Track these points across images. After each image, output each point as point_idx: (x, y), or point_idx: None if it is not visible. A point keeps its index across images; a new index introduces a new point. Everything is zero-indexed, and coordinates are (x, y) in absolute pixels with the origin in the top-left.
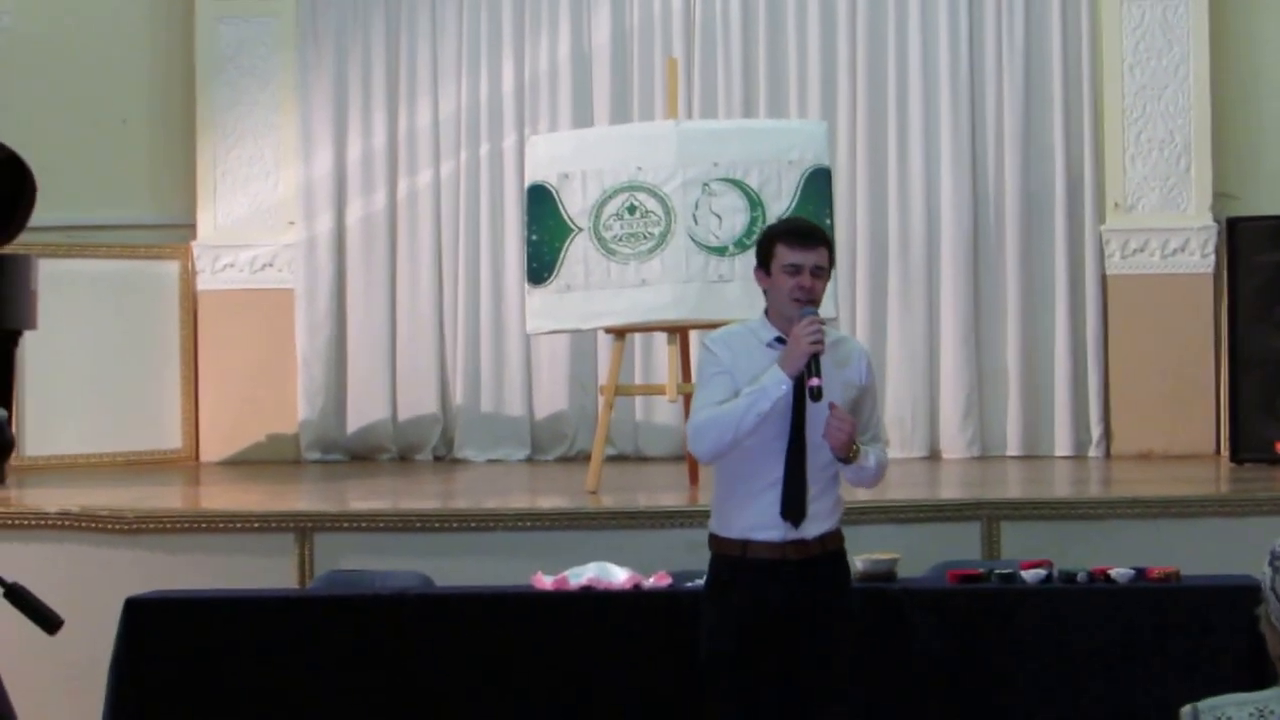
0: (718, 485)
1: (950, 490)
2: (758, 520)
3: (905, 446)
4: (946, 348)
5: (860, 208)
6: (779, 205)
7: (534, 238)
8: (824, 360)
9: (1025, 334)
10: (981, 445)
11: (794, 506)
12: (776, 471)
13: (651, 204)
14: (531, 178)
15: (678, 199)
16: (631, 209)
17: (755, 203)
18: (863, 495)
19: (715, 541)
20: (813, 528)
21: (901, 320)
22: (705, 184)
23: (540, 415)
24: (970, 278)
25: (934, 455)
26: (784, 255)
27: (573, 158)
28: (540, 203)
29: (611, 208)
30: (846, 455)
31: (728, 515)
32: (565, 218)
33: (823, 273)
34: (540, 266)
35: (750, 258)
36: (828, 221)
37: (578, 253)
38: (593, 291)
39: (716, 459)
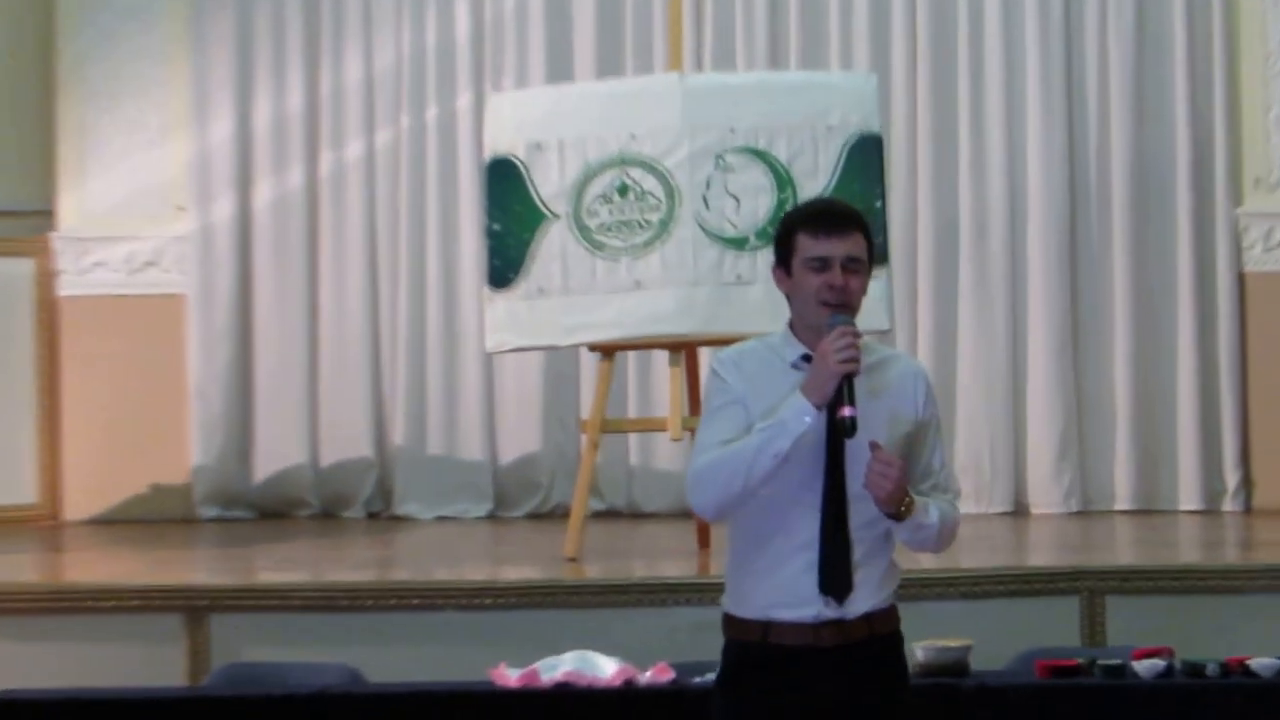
0: (732, 550)
1: (1040, 555)
2: (784, 595)
3: (981, 499)
4: (1035, 368)
5: (922, 187)
6: (814, 183)
7: (496, 228)
8: (862, 385)
9: (1138, 350)
10: (1082, 497)
11: (835, 577)
12: (808, 531)
13: (649, 183)
14: (493, 150)
15: (683, 176)
16: (623, 189)
17: (784, 180)
18: (926, 561)
19: (729, 624)
20: (856, 604)
21: (976, 333)
22: (719, 156)
23: (505, 459)
24: (1066, 277)
25: (1020, 510)
26: (806, 246)
27: (546, 123)
28: (504, 182)
29: (597, 188)
30: (897, 510)
31: (745, 588)
32: (537, 201)
33: (859, 267)
34: (504, 265)
35: None
36: (878, 204)
37: (553, 247)
38: (573, 297)
39: (724, 515)
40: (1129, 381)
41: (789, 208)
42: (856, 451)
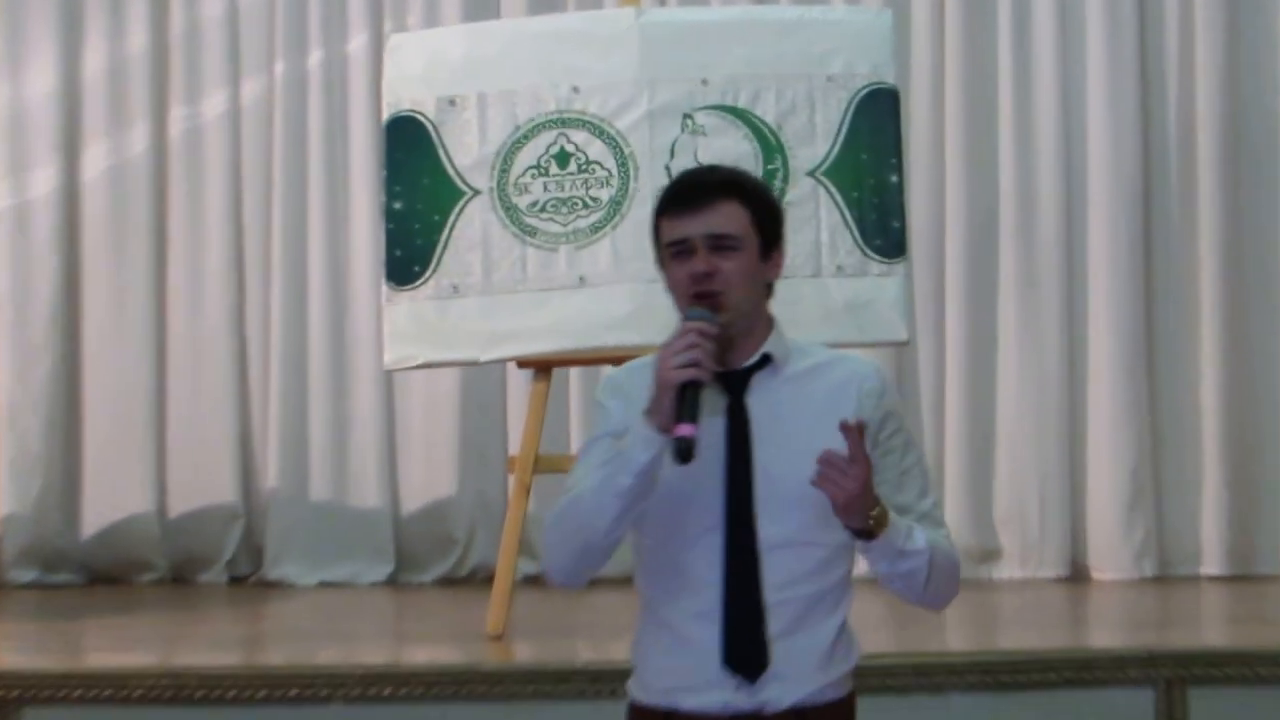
0: (639, 614)
1: (1105, 634)
2: (687, 675)
3: (1028, 560)
4: (1098, 392)
5: (952, 157)
6: (811, 149)
7: (397, 206)
8: (783, 395)
9: (1231, 369)
10: (1158, 558)
11: (741, 649)
12: (714, 589)
13: (596, 149)
14: (394, 106)
15: (641, 142)
16: (562, 157)
17: (771, 146)
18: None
19: (632, 714)
20: (782, 691)
21: (1022, 347)
22: (687, 116)
23: (410, 506)
24: (1137, 275)
25: (1078, 575)
26: (664, 231)
27: (463, 72)
28: (409, 148)
29: (528, 156)
30: (863, 523)
31: (646, 666)
32: (451, 173)
33: (734, 244)
34: (408, 256)
35: None
36: (893, 179)
37: (472, 232)
38: (497, 297)
39: (579, 579)
40: (1219, 409)
41: (783, 182)
42: (773, 486)
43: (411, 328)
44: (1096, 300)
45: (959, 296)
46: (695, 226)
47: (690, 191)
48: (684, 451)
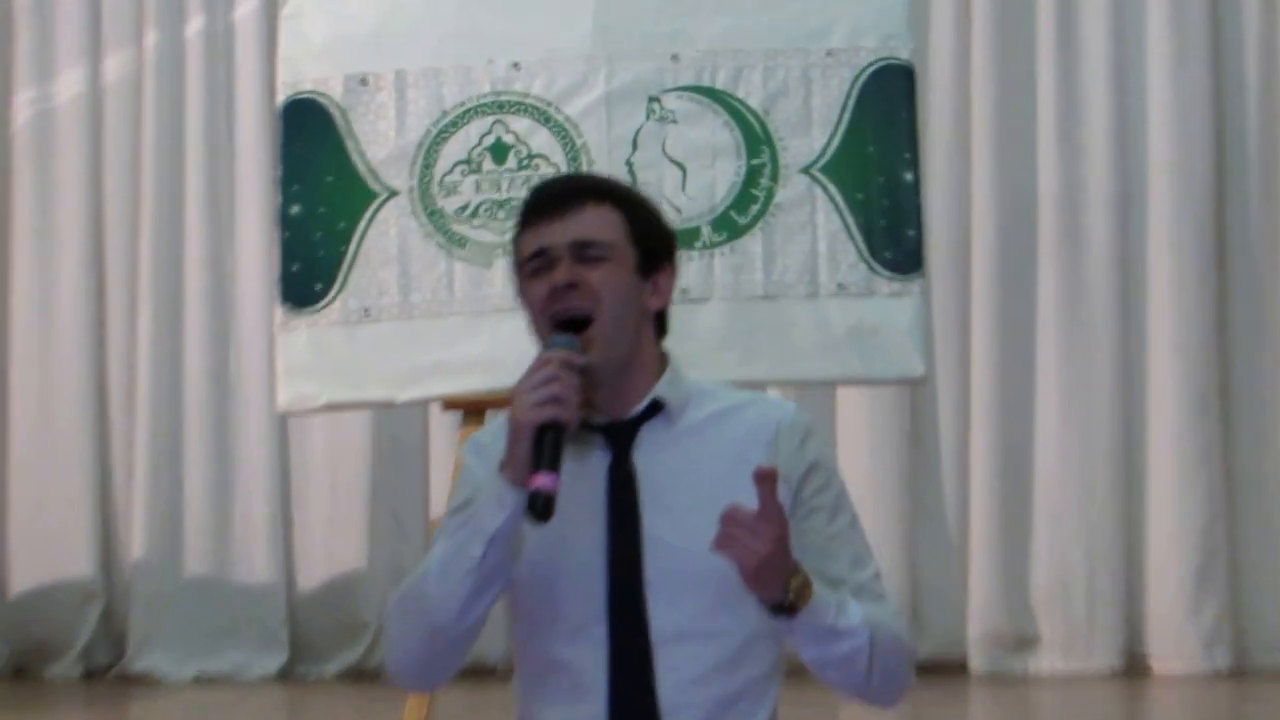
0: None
1: None
2: None
3: (1073, 649)
4: (1160, 437)
5: (981, 148)
6: (806, 140)
7: (294, 210)
8: (680, 450)
9: None
10: (1233, 646)
11: None
12: (595, 698)
13: (541, 140)
14: (291, 86)
15: (596, 131)
16: (499, 150)
17: (757, 137)
18: None
19: None
20: None
21: (1066, 383)
22: (654, 100)
23: (309, 582)
24: (1209, 295)
25: (1135, 666)
26: (522, 246)
27: (378, 43)
28: (309, 137)
29: (457, 148)
30: (781, 594)
31: None
32: (360, 169)
33: (604, 253)
34: (307, 270)
35: (748, 247)
36: (908, 176)
37: (387, 242)
38: (418, 323)
39: (427, 679)
40: None
41: (768, 180)
42: (668, 563)
43: (312, 360)
44: (1158, 327)
45: (988, 322)
46: (556, 234)
47: (553, 195)
48: (541, 507)
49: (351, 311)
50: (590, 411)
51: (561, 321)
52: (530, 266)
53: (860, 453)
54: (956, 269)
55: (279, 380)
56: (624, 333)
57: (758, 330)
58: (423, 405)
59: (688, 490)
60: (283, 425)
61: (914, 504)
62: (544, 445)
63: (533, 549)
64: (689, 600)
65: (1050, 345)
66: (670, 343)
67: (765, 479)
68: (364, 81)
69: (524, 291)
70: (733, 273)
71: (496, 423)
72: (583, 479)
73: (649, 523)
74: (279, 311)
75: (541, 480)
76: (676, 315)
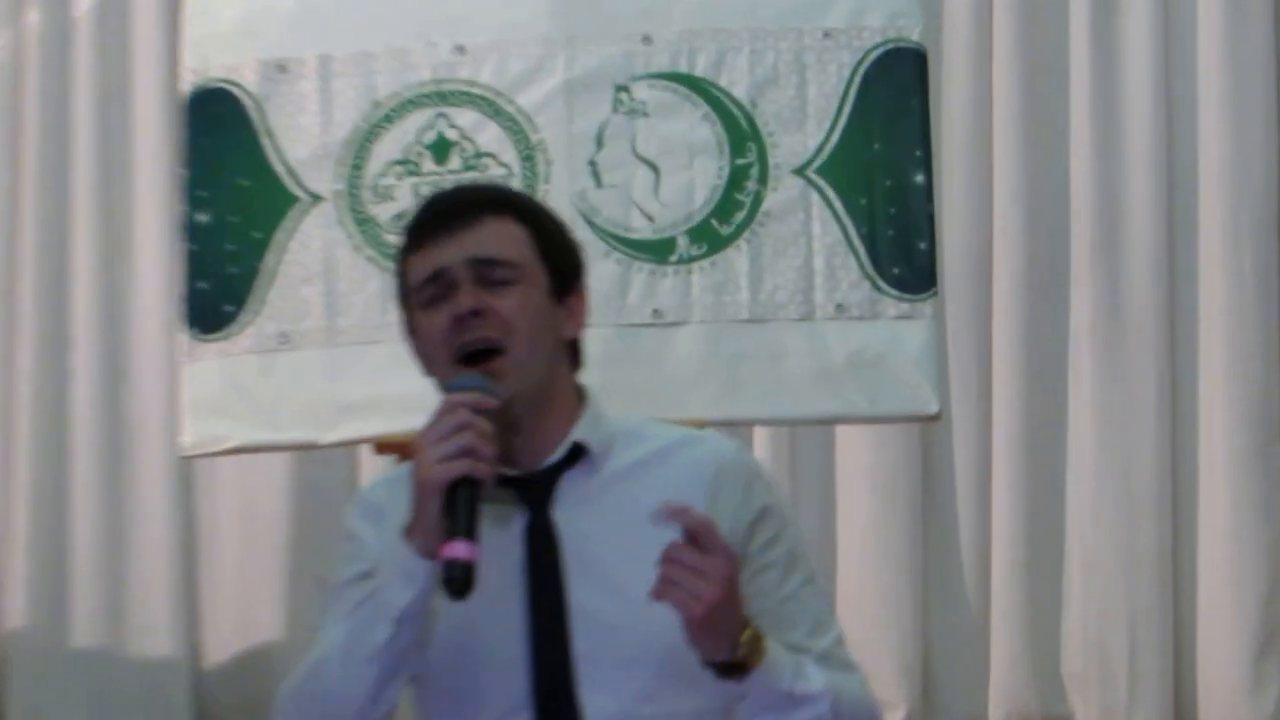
0: None
1: None
2: None
3: None
4: (1213, 485)
5: (1005, 147)
6: (800, 136)
7: (201, 218)
8: (606, 502)
9: None
10: None
11: None
12: None
13: (490, 136)
14: (198, 73)
15: (554, 123)
16: (441, 147)
17: (743, 131)
18: None
19: None
20: None
21: (1104, 418)
22: (622, 89)
23: (217, 655)
24: (1269, 316)
25: None
26: (410, 273)
27: (299, 23)
28: (218, 133)
29: (392, 145)
30: (730, 650)
31: None
32: (279, 170)
33: (512, 275)
34: (216, 289)
35: (732, 261)
36: (918, 178)
37: (309, 256)
38: (345, 351)
39: None
40: None
41: (755, 184)
42: (599, 637)
43: (221, 395)
44: (1211, 354)
45: (1012, 348)
46: (453, 252)
47: (444, 209)
48: (460, 580)
49: (268, 337)
50: (501, 464)
51: (468, 355)
52: (423, 295)
53: (862, 502)
54: (975, 287)
55: (183, 418)
56: (539, 367)
57: (742, 360)
58: (351, 448)
59: (617, 549)
60: (187, 471)
61: (926, 562)
62: (458, 506)
63: (440, 628)
64: (625, 681)
65: (1085, 376)
66: (639, 374)
67: (701, 523)
68: (283, 68)
69: (416, 326)
70: (713, 292)
71: (387, 478)
72: (495, 542)
73: (575, 591)
74: (183, 337)
75: (458, 548)
76: (647, 342)
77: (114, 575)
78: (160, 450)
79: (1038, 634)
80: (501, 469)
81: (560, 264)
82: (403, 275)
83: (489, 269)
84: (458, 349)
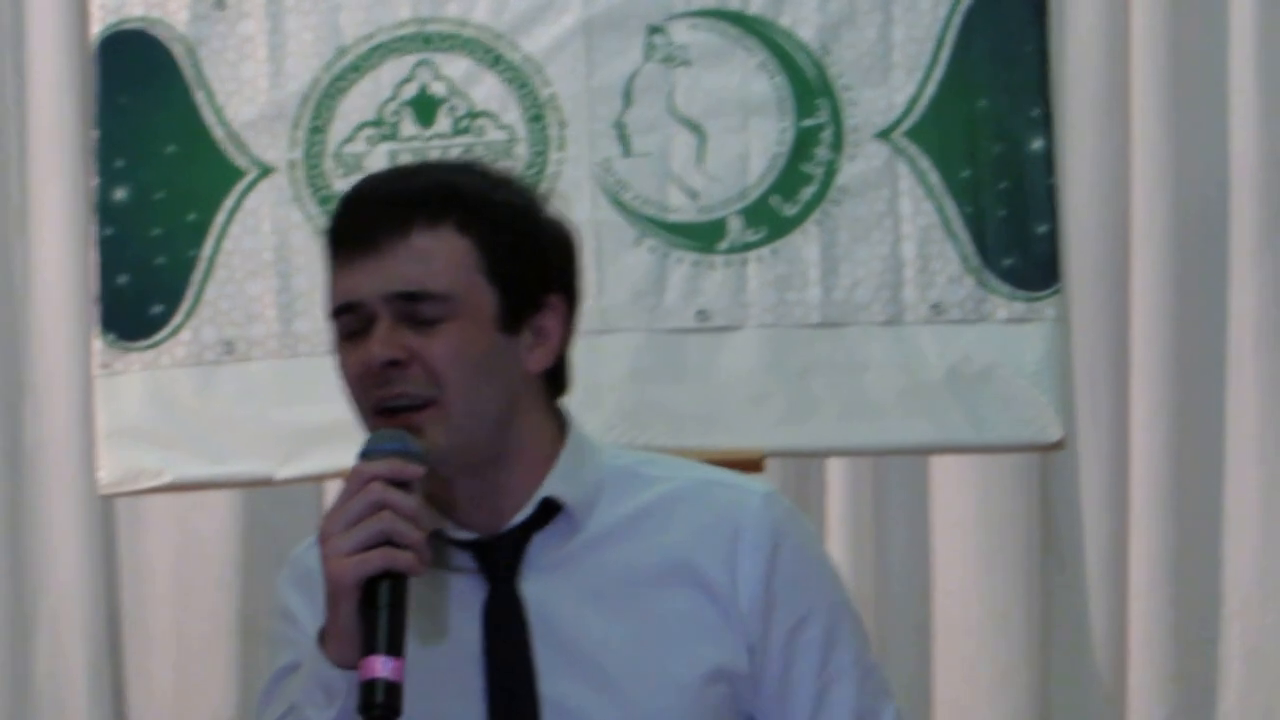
0: None
1: None
2: None
3: None
4: None
5: (1145, 108)
6: (884, 91)
7: (119, 195)
8: (587, 570)
9: None
10: None
11: None
12: None
13: (486, 89)
14: (113, 10)
15: (567, 74)
16: (425, 105)
17: (810, 85)
18: None
19: None
20: None
21: (1269, 435)
22: (656, 29)
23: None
24: None
25: None
26: (332, 289)
27: None
28: (140, 87)
29: (362, 102)
30: None
31: None
32: (218, 133)
33: (443, 311)
34: (140, 285)
35: (798, 249)
36: (1037, 143)
37: (258, 241)
38: (303, 364)
39: None
40: None
41: (825, 150)
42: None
43: (148, 418)
44: None
45: (1156, 361)
46: (369, 279)
47: (363, 216)
48: (380, 709)
49: (207, 346)
50: (450, 523)
51: (386, 410)
52: (340, 325)
53: (964, 553)
54: (1108, 283)
55: (99, 447)
56: (484, 418)
57: (813, 374)
58: (313, 483)
59: (599, 628)
60: (107, 514)
61: (1045, 627)
62: (378, 610)
63: None
64: None
65: (1248, 395)
66: (680, 392)
67: None
68: (221, 3)
69: (338, 357)
70: (775, 288)
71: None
72: (446, 620)
73: (547, 680)
74: (98, 346)
75: (377, 665)
76: (690, 351)
77: (16, 639)
78: (72, 484)
79: (1187, 716)
80: (453, 531)
81: (520, 279)
82: (328, 283)
83: (413, 305)
84: (374, 404)
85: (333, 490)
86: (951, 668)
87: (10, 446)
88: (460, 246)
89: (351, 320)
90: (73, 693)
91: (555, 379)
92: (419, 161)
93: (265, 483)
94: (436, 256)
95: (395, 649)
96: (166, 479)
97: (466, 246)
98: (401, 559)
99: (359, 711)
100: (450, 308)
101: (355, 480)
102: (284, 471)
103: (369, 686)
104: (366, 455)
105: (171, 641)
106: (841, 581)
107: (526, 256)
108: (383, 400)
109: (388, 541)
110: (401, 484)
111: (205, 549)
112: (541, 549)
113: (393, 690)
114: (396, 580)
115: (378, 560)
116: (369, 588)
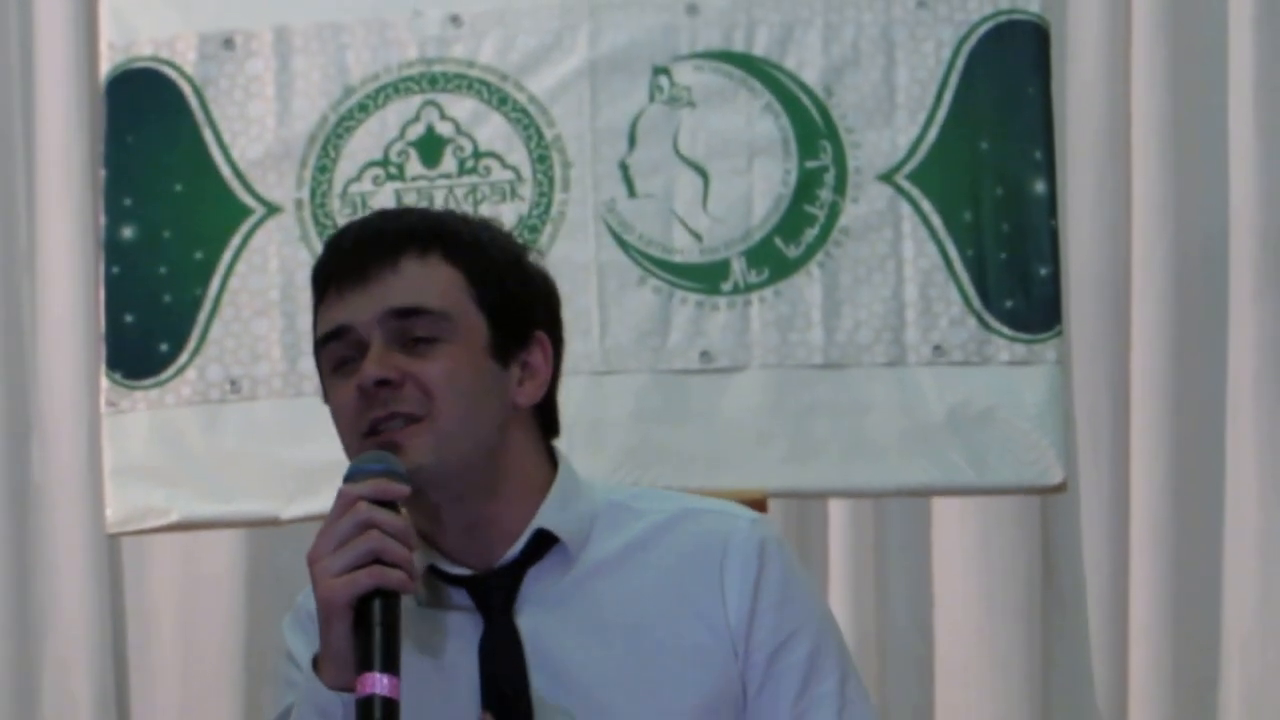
0: None
1: None
2: None
3: None
4: None
5: (1147, 148)
6: (888, 134)
7: (126, 235)
8: (583, 602)
9: None
10: None
11: None
12: None
13: (491, 130)
14: (122, 50)
15: (572, 115)
16: (431, 146)
17: (815, 127)
18: None
19: None
20: None
21: (1270, 479)
22: (661, 70)
23: None
24: None
25: None
26: (320, 321)
27: None
28: (149, 126)
29: (369, 142)
30: None
31: None
32: (225, 172)
33: (439, 330)
34: (147, 324)
35: (801, 290)
36: (1039, 186)
37: (264, 280)
38: (309, 403)
39: None
40: None
41: (828, 192)
42: None
43: (154, 456)
44: None
45: (1156, 402)
46: (361, 304)
47: (350, 248)
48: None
49: (213, 384)
50: (443, 559)
51: (377, 436)
52: (327, 355)
53: (965, 594)
54: (1109, 324)
55: (106, 486)
56: (472, 440)
57: (815, 415)
58: (318, 523)
59: (597, 661)
60: (114, 553)
61: (1046, 670)
62: (371, 629)
63: None
64: None
65: (1248, 438)
66: (684, 432)
67: None
68: (229, 43)
69: (328, 396)
70: (778, 329)
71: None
72: (444, 657)
73: (546, 717)
74: (105, 386)
75: (374, 683)
76: (693, 392)
77: (20, 686)
78: (77, 524)
79: None
80: (447, 566)
81: (508, 312)
82: (314, 324)
83: (406, 322)
84: (366, 428)
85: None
86: (952, 708)
87: (17, 485)
88: (450, 273)
89: (340, 348)
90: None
91: (545, 418)
92: (402, 207)
93: (271, 522)
94: (428, 279)
95: (390, 666)
96: (174, 518)
97: (456, 274)
98: (392, 576)
99: None
100: (445, 327)
101: (342, 502)
102: (289, 511)
103: (366, 704)
104: (351, 478)
105: (176, 681)
106: (829, 610)
107: (513, 290)
108: (375, 423)
109: (377, 560)
110: (388, 504)
111: (210, 589)
112: (536, 583)
113: (389, 706)
114: (388, 599)
115: (367, 579)
116: (361, 607)
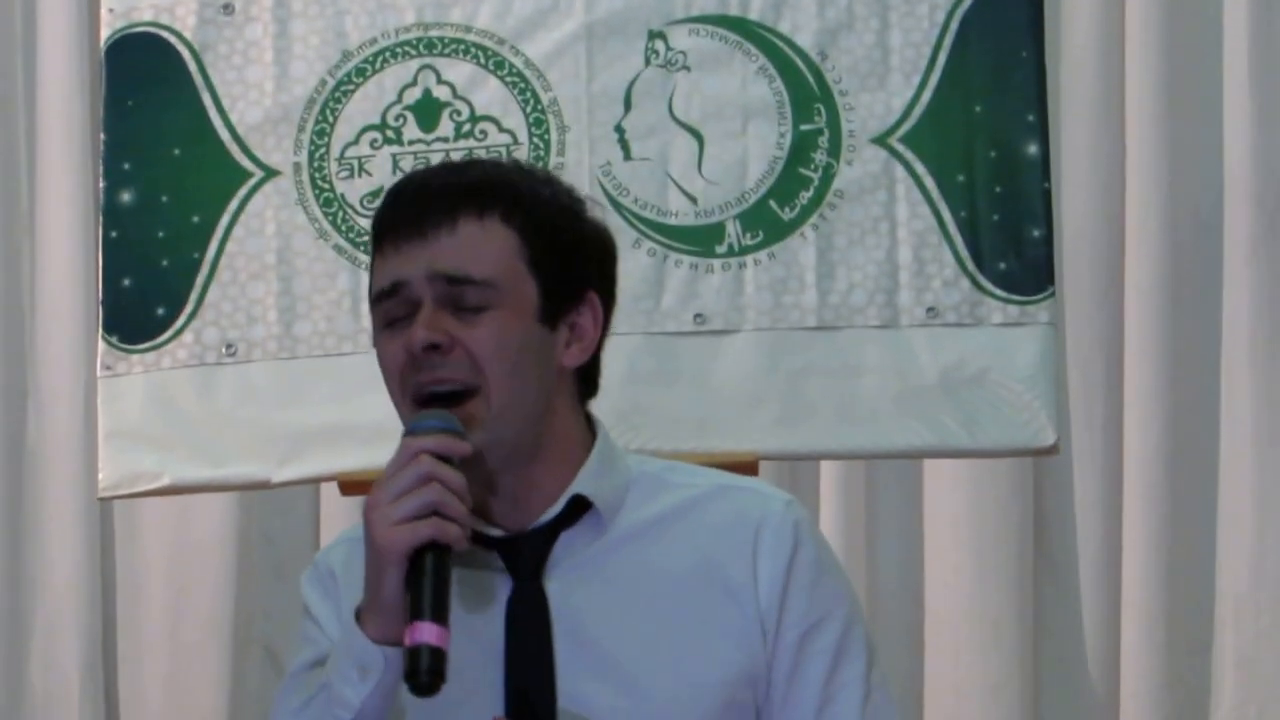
0: None
1: None
2: None
3: None
4: None
5: (1140, 113)
6: (882, 96)
7: (124, 199)
8: (614, 571)
9: None
10: None
11: None
12: None
13: (488, 94)
14: (121, 15)
15: (568, 79)
16: (428, 110)
17: (809, 90)
18: None
19: None
20: None
21: (1263, 442)
22: (656, 34)
23: None
24: None
25: None
26: (373, 275)
27: None
28: (147, 89)
29: (366, 106)
30: None
31: None
32: (223, 135)
33: (488, 298)
34: (143, 286)
35: (795, 253)
36: (1032, 149)
37: (261, 244)
38: (304, 365)
39: None
40: None
41: (824, 155)
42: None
43: (149, 420)
44: None
45: (1150, 365)
46: (414, 262)
47: (409, 203)
48: (427, 673)
49: (209, 348)
50: (479, 520)
51: (426, 398)
52: (381, 311)
53: (956, 559)
54: (1102, 286)
55: (101, 449)
56: (523, 410)
57: (808, 377)
58: (311, 486)
59: (624, 628)
60: (106, 516)
61: (1037, 636)
62: (423, 579)
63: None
64: None
65: (1242, 399)
66: (675, 395)
67: None
68: (228, 8)
69: (379, 350)
70: (772, 292)
71: (350, 536)
72: (470, 618)
73: (567, 680)
74: (101, 349)
75: (425, 631)
76: (687, 354)
77: (10, 649)
78: (70, 488)
79: None
80: (482, 527)
81: (561, 272)
82: (370, 275)
83: (457, 289)
84: (414, 391)
85: (330, 494)
86: (943, 673)
87: (12, 447)
88: (505, 236)
89: (394, 305)
90: (66, 694)
91: (586, 379)
92: (466, 159)
93: (263, 485)
94: (482, 244)
95: (440, 617)
96: (164, 481)
97: (511, 236)
98: (450, 530)
99: (405, 679)
100: (493, 295)
101: (404, 453)
102: (281, 474)
103: (415, 653)
104: (413, 433)
105: (164, 646)
106: (856, 595)
107: (568, 251)
108: (423, 386)
109: (434, 512)
110: (449, 460)
111: (200, 555)
112: (568, 548)
113: (437, 656)
114: (441, 552)
115: (428, 530)
116: (415, 559)
